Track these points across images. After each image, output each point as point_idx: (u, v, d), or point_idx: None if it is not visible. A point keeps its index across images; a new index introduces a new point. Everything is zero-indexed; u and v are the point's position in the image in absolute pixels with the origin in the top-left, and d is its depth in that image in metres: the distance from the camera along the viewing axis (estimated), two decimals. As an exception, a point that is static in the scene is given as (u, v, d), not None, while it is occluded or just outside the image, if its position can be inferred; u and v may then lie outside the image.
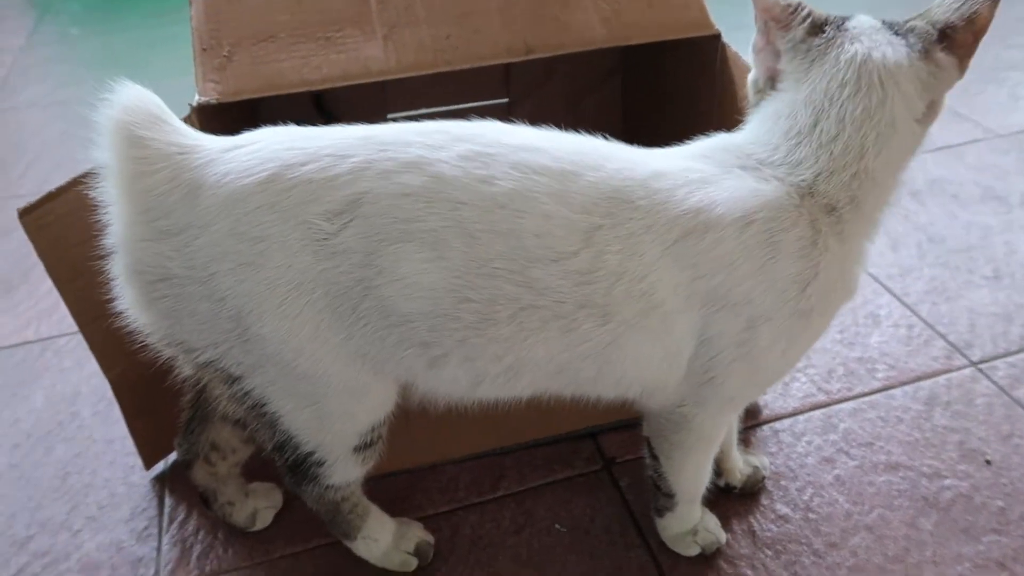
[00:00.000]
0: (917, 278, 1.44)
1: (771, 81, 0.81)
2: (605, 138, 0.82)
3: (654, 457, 0.93)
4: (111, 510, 1.11)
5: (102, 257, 0.94)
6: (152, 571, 1.02)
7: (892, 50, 0.75)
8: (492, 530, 1.04)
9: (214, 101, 0.98)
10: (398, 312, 0.73)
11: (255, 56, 1.02)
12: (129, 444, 1.20)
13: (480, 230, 0.71)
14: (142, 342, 1.03)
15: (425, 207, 0.71)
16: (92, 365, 1.35)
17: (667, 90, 1.39)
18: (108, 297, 0.97)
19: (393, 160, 0.72)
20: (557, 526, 1.04)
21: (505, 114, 1.56)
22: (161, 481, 1.14)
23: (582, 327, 0.74)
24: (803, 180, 0.76)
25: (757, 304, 0.76)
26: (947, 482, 1.07)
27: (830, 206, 0.76)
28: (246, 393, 0.80)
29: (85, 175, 0.89)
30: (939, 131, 1.99)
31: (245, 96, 0.99)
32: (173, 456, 1.17)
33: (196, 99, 0.98)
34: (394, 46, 1.04)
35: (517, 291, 0.72)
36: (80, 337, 1.41)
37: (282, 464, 0.88)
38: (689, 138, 0.86)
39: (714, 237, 0.74)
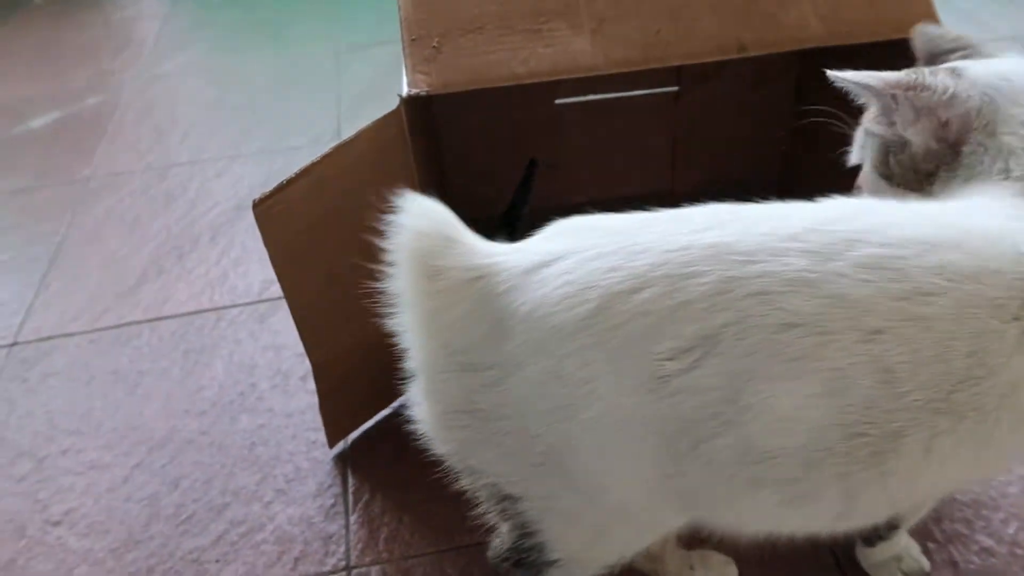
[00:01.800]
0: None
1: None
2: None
3: None
4: (298, 484, 1.15)
5: (318, 248, 0.96)
6: (343, 549, 1.06)
7: None
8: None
9: (424, 93, 0.98)
10: (762, 448, 0.60)
11: (463, 48, 1.01)
12: (308, 420, 1.24)
13: (900, 362, 0.57)
14: (344, 330, 1.05)
15: (820, 341, 0.56)
16: (265, 337, 1.42)
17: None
18: (320, 286, 1.00)
19: (765, 278, 0.56)
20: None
21: (673, 104, 1.53)
22: (343, 460, 1.18)
23: (999, 438, 0.63)
24: None
25: None
26: None
27: None
28: (519, 512, 0.72)
29: (309, 167, 0.91)
30: None
31: (454, 89, 0.99)
32: (352, 437, 1.21)
33: (406, 90, 0.98)
34: (602, 40, 1.02)
35: (933, 419, 0.59)
36: (251, 309, 1.48)
37: (508, 555, 0.79)
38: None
39: None
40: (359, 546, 1.06)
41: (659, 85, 1.50)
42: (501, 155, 1.36)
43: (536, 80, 1.00)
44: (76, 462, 1.21)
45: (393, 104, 0.95)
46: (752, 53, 1.02)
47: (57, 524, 1.12)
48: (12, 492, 1.17)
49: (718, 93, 1.49)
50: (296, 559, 1.05)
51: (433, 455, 1.07)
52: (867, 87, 0.74)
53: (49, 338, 1.45)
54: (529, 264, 0.64)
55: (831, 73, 0.76)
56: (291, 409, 1.27)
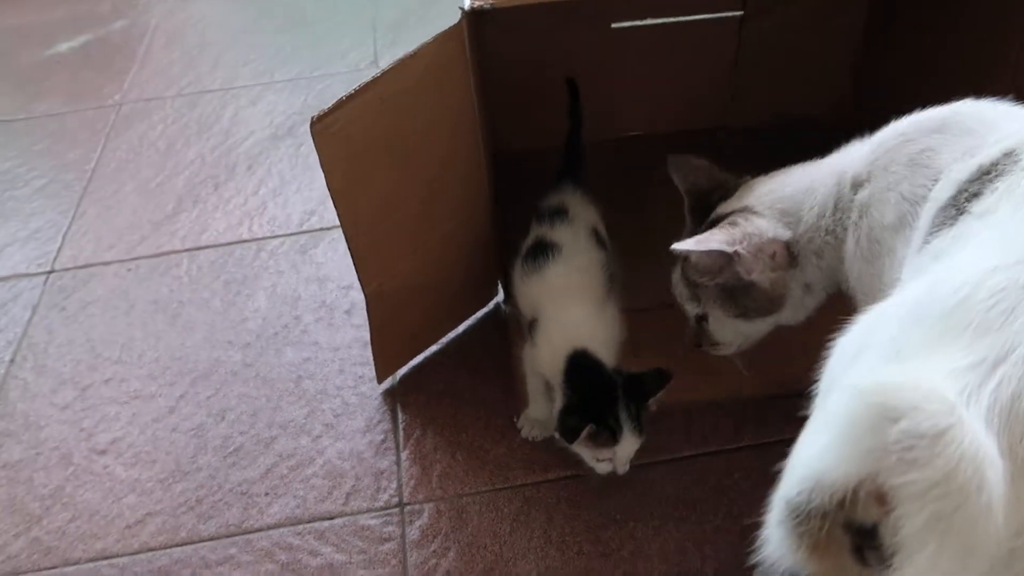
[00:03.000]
0: None
1: None
2: None
3: None
4: (346, 419, 1.12)
5: (379, 170, 0.91)
6: (395, 484, 1.03)
7: None
8: (739, 480, 1.00)
9: (489, 6, 0.90)
10: None
11: (527, -41, 0.93)
12: (354, 354, 1.21)
13: None
14: (399, 260, 1.00)
15: None
16: (307, 270, 1.37)
17: (938, 20, 1.22)
18: (376, 213, 0.94)
19: None
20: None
21: (736, 30, 1.44)
22: (392, 396, 1.14)
23: None
24: None
25: None
26: None
27: None
28: None
29: (369, 84, 0.85)
30: None
31: (521, 2, 0.92)
32: (401, 372, 1.17)
33: (467, 3, 0.91)
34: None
35: None
36: (292, 240, 1.44)
37: None
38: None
39: None
40: (411, 483, 1.03)
41: (723, 9, 1.41)
42: (554, 85, 1.29)
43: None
44: (119, 392, 1.19)
45: (431, 33, 0.88)
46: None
47: (103, 453, 1.10)
48: (57, 420, 1.15)
49: (787, 19, 1.39)
50: (347, 494, 1.02)
51: (486, 394, 1.03)
52: (710, 253, 0.83)
53: (87, 266, 1.41)
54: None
55: (674, 247, 0.85)
56: (337, 343, 1.23)
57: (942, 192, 0.67)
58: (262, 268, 1.38)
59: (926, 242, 0.65)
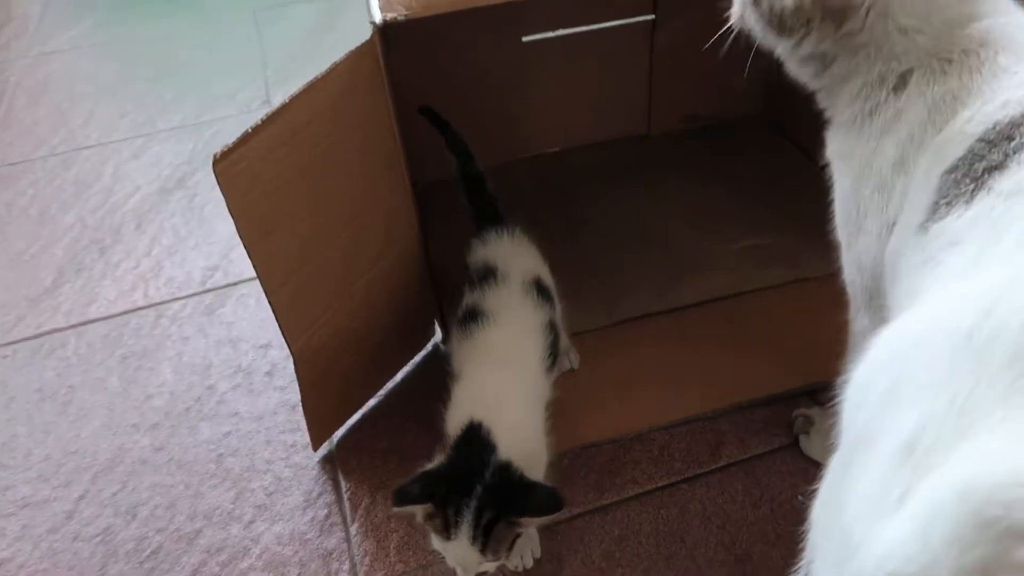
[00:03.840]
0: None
1: None
2: None
3: None
4: (281, 496, 0.98)
5: (294, 210, 0.80)
6: (347, 565, 0.90)
7: None
8: (725, 505, 0.92)
9: (402, 18, 0.81)
10: None
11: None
12: (281, 420, 1.08)
13: None
14: (326, 311, 0.89)
15: None
16: (216, 332, 1.23)
17: None
18: (296, 259, 0.83)
19: None
20: (800, 498, 0.92)
21: (649, 35, 1.40)
22: (331, 462, 1.02)
23: None
24: None
25: None
26: None
27: None
28: None
29: (277, 113, 0.74)
30: None
31: (437, 11, 0.83)
32: (338, 434, 1.04)
33: (379, 16, 0.82)
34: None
35: None
36: (195, 301, 1.29)
37: None
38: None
39: None
40: (366, 560, 0.90)
41: (633, 14, 1.36)
42: (465, 103, 1.20)
43: (510, -3, 0.85)
44: (4, 501, 1.01)
45: (324, 64, 0.78)
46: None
47: (-11, 579, 0.93)
48: (-73, 546, 0.96)
49: (696, 21, 1.36)
50: (293, 585, 0.89)
51: (436, 446, 0.92)
52: None
53: (-47, 357, 1.22)
54: None
55: None
56: (260, 410, 1.09)
57: (949, 147, 0.60)
58: (164, 336, 1.22)
59: (935, 214, 0.58)
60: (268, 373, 1.14)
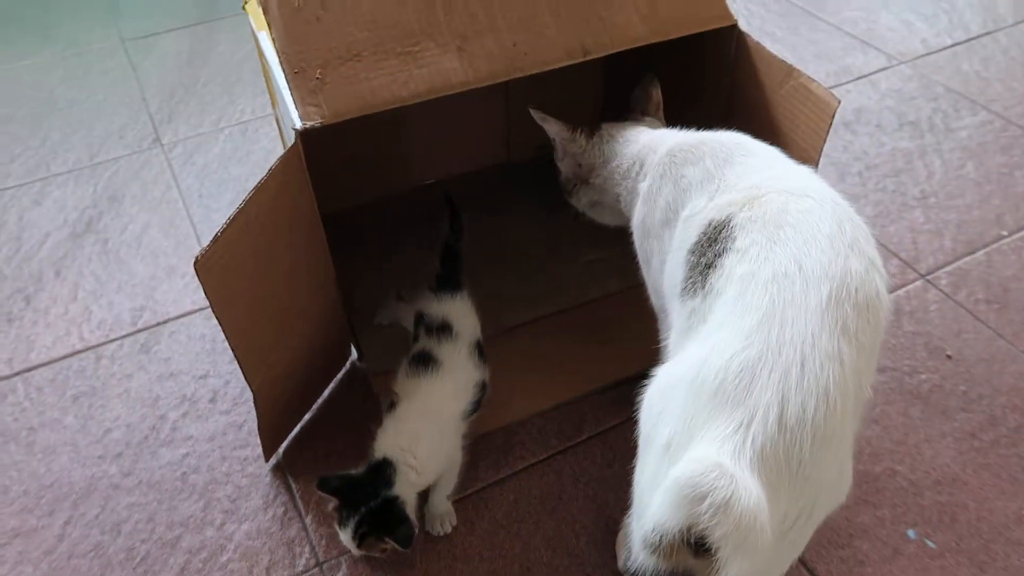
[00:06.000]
0: (865, 204, 1.72)
1: None
2: None
3: None
4: (243, 501, 1.21)
5: (247, 282, 1.02)
6: (308, 548, 1.15)
7: None
8: (589, 468, 1.25)
9: (318, 124, 1.05)
10: None
11: (345, 76, 1.08)
12: (230, 439, 1.30)
13: None
14: (275, 349, 1.13)
15: None
16: (156, 368, 1.42)
17: (691, 84, 1.52)
18: (253, 316, 1.06)
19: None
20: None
21: (504, 89, 1.67)
22: (281, 469, 1.25)
23: None
24: None
25: None
26: (923, 376, 1.37)
27: None
28: None
29: (236, 215, 0.96)
30: (852, 61, 2.25)
31: (346, 117, 1.07)
32: (282, 446, 1.28)
33: (299, 123, 1.05)
34: (468, 57, 1.13)
35: None
36: (131, 341, 1.47)
37: None
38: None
39: None
40: (323, 542, 1.16)
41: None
42: (356, 153, 1.45)
43: (418, 100, 1.10)
44: (-5, 534, 1.18)
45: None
46: (595, 55, 1.18)
47: (1, 599, 1.11)
48: (-65, 581, 1.13)
49: (542, 77, 1.64)
50: (267, 568, 1.13)
51: (366, 446, 1.18)
52: (546, 127, 1.24)
53: (-96, 413, 1.34)
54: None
55: (533, 112, 1.25)
56: (211, 432, 1.31)
57: (690, 230, 0.94)
58: (108, 376, 1.40)
59: (684, 291, 0.90)
60: (211, 400, 1.35)
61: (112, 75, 2.17)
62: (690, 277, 0.90)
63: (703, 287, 0.87)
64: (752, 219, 0.87)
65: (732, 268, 0.84)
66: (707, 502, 0.68)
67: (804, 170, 0.97)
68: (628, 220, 1.14)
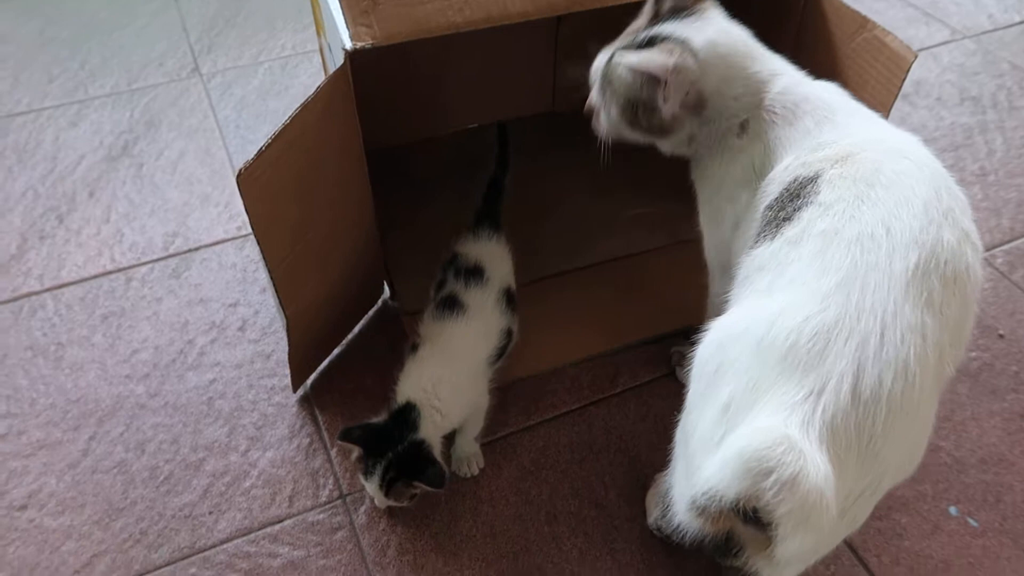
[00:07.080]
0: (920, 177, 1.65)
1: None
2: None
3: None
4: (269, 429, 1.20)
5: (288, 206, 0.99)
6: (332, 479, 1.14)
7: None
8: (622, 421, 1.22)
9: (369, 45, 1.01)
10: None
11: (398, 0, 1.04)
12: (258, 368, 1.28)
13: None
14: (311, 279, 1.10)
15: None
16: (186, 293, 1.40)
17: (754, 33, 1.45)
18: (291, 242, 1.03)
19: None
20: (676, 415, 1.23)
21: (555, 25, 1.62)
22: (308, 401, 1.24)
23: None
24: None
25: None
26: (973, 355, 1.32)
27: None
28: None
29: (281, 132, 0.92)
30: (915, 32, 2.17)
31: (398, 40, 1.02)
32: (311, 379, 1.26)
33: (349, 44, 1.01)
34: (528, -14, 1.08)
35: None
36: (161, 265, 1.45)
37: None
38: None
39: None
40: (347, 475, 1.14)
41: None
42: (410, 81, 1.41)
43: (472, 28, 1.06)
44: (20, 444, 1.17)
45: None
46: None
47: (23, 508, 1.10)
48: (-41, 485, 1.12)
49: (601, 14, 1.59)
50: (290, 497, 1.12)
51: (388, 385, 1.15)
52: (643, 73, 0.91)
53: (-65, 321, 1.34)
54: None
55: (616, 60, 0.95)
56: (238, 360, 1.29)
57: (771, 186, 0.87)
58: (138, 298, 1.38)
59: (755, 244, 0.84)
60: (240, 328, 1.34)
61: (154, 3, 2.14)
62: (762, 232, 0.84)
63: (774, 238, 0.81)
64: (843, 176, 0.81)
65: (812, 222, 0.79)
66: (772, 477, 0.64)
67: (908, 135, 0.89)
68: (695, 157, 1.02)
